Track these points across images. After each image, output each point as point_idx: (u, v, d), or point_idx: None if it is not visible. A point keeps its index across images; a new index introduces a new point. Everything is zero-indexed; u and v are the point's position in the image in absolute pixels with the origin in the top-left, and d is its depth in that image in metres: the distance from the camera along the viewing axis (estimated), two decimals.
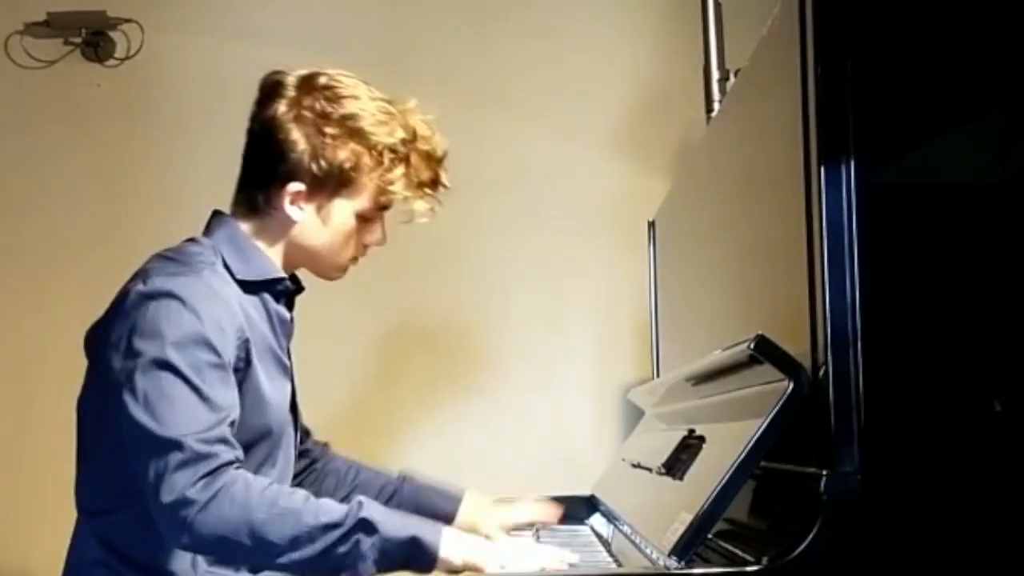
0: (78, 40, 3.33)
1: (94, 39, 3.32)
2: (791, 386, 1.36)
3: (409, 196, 1.72)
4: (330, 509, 1.52)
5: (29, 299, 3.26)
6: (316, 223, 1.72)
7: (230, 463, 1.52)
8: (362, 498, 1.55)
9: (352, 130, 1.68)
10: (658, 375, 2.62)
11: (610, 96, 3.31)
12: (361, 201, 1.71)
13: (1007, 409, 1.37)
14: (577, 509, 2.33)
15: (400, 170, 1.70)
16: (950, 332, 1.39)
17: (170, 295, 1.57)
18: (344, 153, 1.68)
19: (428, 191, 1.74)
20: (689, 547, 1.38)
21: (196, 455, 1.49)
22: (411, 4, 3.36)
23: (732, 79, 2.72)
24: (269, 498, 1.51)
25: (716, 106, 2.77)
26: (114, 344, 1.58)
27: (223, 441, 1.53)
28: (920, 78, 1.41)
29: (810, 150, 1.38)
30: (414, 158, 1.71)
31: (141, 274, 1.64)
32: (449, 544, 1.54)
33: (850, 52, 1.38)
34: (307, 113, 1.68)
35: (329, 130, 1.68)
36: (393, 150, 1.69)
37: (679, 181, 2.51)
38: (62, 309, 3.13)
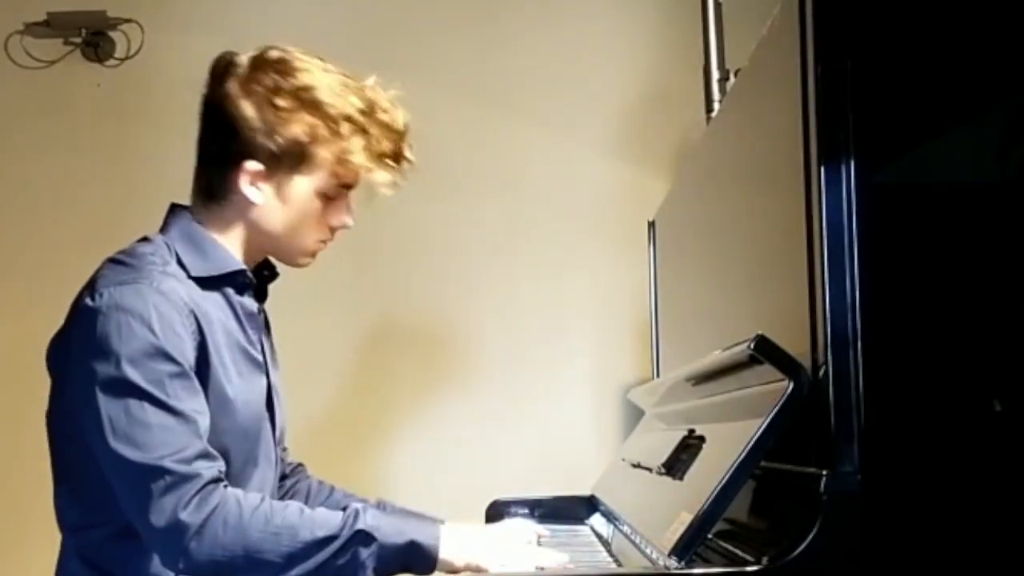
0: (78, 40, 3.33)
1: (94, 39, 3.32)
2: (791, 386, 1.36)
3: (369, 167, 1.63)
4: (326, 521, 1.51)
5: (28, 299, 3.26)
6: (276, 204, 1.64)
7: (216, 480, 1.50)
8: (358, 505, 1.53)
9: (306, 101, 1.60)
10: (658, 375, 2.62)
11: (610, 96, 3.31)
12: (320, 176, 1.63)
13: (1007, 409, 1.37)
14: (577, 509, 2.33)
15: (358, 140, 1.61)
16: (950, 332, 1.39)
17: (118, 308, 1.52)
18: (299, 126, 1.60)
19: (389, 163, 1.64)
20: (689, 547, 1.38)
21: (180, 477, 1.47)
22: (411, 5, 3.36)
23: (732, 79, 2.72)
24: (263, 516, 1.49)
25: (716, 106, 2.77)
26: (74, 360, 1.54)
27: (204, 456, 1.50)
28: (920, 78, 1.41)
29: (810, 150, 1.38)
30: (373, 129, 1.63)
31: (91, 284, 1.59)
32: (448, 545, 1.53)
33: (850, 52, 1.38)
34: (258, 88, 1.61)
35: (282, 103, 1.60)
36: (350, 119, 1.61)
37: (679, 181, 2.51)
38: (62, 309, 3.12)
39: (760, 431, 1.37)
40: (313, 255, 1.72)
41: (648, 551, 1.57)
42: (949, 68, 1.41)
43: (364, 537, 1.49)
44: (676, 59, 3.17)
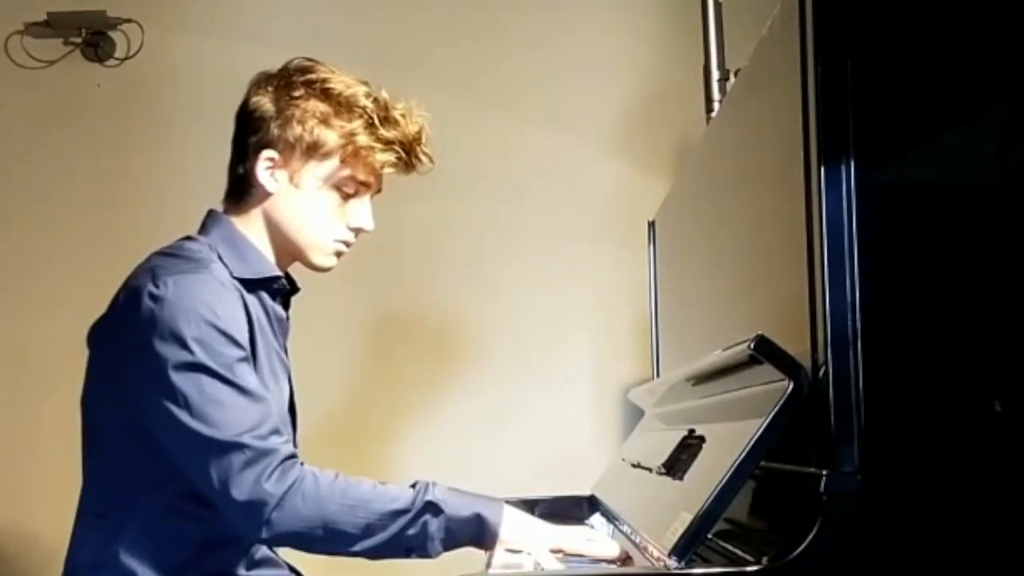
0: (78, 40, 3.33)
1: (94, 39, 3.32)
2: (791, 386, 1.36)
3: (373, 147, 1.70)
4: (398, 495, 1.59)
5: (29, 299, 3.26)
6: (290, 191, 1.71)
7: (292, 456, 1.57)
8: (428, 480, 1.62)
9: (319, 91, 1.70)
10: (658, 375, 2.62)
11: (610, 96, 3.31)
12: (333, 165, 1.70)
13: (1007, 409, 1.37)
14: (577, 509, 2.33)
15: (363, 123, 1.69)
16: (950, 332, 1.39)
17: (184, 295, 1.57)
18: (310, 112, 1.69)
19: (396, 149, 1.71)
20: (689, 547, 1.38)
21: (258, 452, 1.53)
22: (411, 5, 3.36)
23: (732, 79, 2.72)
24: (339, 490, 1.57)
25: (716, 106, 2.77)
26: (131, 346, 1.58)
27: (276, 432, 1.57)
28: (920, 78, 1.41)
29: (810, 150, 1.38)
30: (383, 116, 1.71)
31: (147, 272, 1.62)
32: (509, 525, 1.62)
33: (850, 52, 1.38)
34: (278, 82, 1.72)
35: (296, 92, 1.70)
36: (362, 107, 1.70)
37: (679, 181, 2.51)
38: (62, 309, 3.13)
39: (760, 431, 1.37)
40: (335, 256, 1.77)
41: (648, 551, 1.57)
42: (949, 68, 1.41)
43: (434, 508, 1.59)
44: (676, 59, 3.17)
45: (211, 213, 1.78)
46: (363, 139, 1.69)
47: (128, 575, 1.63)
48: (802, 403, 1.36)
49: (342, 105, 1.69)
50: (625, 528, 1.87)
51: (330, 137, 1.69)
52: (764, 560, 1.32)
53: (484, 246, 3.30)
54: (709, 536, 1.43)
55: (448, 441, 3.23)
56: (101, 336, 1.68)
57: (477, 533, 1.61)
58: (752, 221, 1.70)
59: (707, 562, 1.44)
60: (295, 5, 3.37)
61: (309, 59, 1.75)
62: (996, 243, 1.39)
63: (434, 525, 1.58)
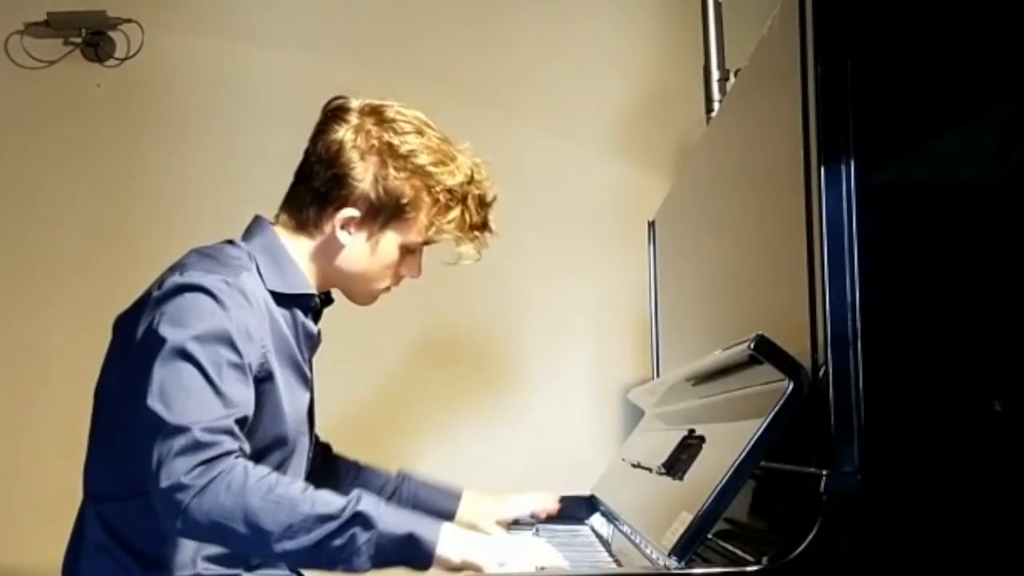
0: (78, 40, 3.33)
1: (94, 39, 3.32)
2: (791, 386, 1.36)
3: (460, 237, 1.77)
4: (327, 501, 1.51)
5: (29, 299, 3.26)
6: (363, 250, 1.75)
7: (231, 452, 1.52)
8: (361, 492, 1.53)
9: (416, 167, 1.72)
10: (658, 375, 2.62)
11: (610, 96, 3.31)
12: (410, 235, 1.75)
13: (1007, 409, 1.37)
14: (577, 509, 2.33)
15: (456, 212, 1.75)
16: (950, 332, 1.39)
17: (203, 289, 1.59)
18: (406, 188, 1.72)
19: (477, 234, 1.79)
20: (689, 547, 1.38)
21: (198, 443, 1.49)
22: (412, 5, 3.36)
23: (732, 79, 2.72)
24: (266, 485, 1.50)
25: (716, 106, 2.77)
26: (144, 329, 1.60)
27: (229, 432, 1.53)
28: (920, 78, 1.41)
29: (810, 150, 1.38)
30: (469, 201, 1.76)
31: (178, 266, 1.65)
32: (447, 542, 1.52)
33: (850, 52, 1.38)
34: (375, 143, 1.72)
35: (393, 163, 1.71)
36: (451, 192, 1.74)
37: (679, 181, 2.51)
38: (62, 309, 3.13)
39: (760, 431, 1.37)
40: (376, 299, 1.84)
41: (648, 551, 1.57)
42: (949, 68, 1.41)
43: (364, 521, 1.49)
44: (676, 59, 3.17)
45: (257, 220, 1.79)
46: (451, 227, 1.75)
47: (133, 558, 1.64)
48: (802, 403, 1.36)
49: (439, 192, 1.73)
50: (625, 528, 1.87)
51: (420, 216, 1.74)
52: (764, 560, 1.32)
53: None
54: (709, 536, 1.43)
55: (448, 441, 3.23)
56: (124, 323, 1.69)
57: (409, 552, 1.51)
58: (752, 221, 1.70)
59: (707, 562, 1.44)
60: (295, 5, 3.37)
61: (398, 111, 1.75)
62: (996, 243, 1.39)
63: (362, 539, 1.49)
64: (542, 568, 1.53)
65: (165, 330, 1.56)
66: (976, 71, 1.41)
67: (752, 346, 1.38)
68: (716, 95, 2.78)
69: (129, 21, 3.31)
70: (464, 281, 3.28)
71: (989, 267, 1.40)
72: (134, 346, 1.61)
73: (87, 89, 3.33)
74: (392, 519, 1.52)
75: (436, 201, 1.73)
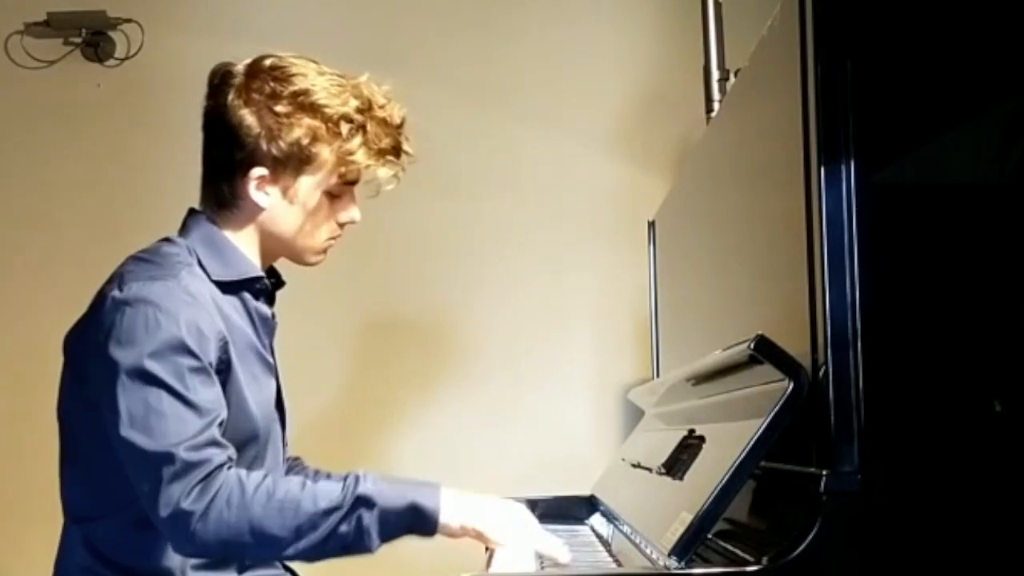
0: (78, 40, 3.33)
1: (94, 39, 3.32)
2: (791, 386, 1.36)
3: (371, 164, 1.69)
4: (328, 492, 1.53)
5: (28, 299, 3.26)
6: (284, 206, 1.69)
7: (222, 465, 1.52)
8: (359, 472, 1.55)
9: (304, 105, 1.65)
10: (658, 375, 2.62)
11: (610, 96, 3.32)
12: (324, 176, 1.68)
13: (1007, 409, 1.37)
14: (577, 509, 2.33)
15: (358, 139, 1.67)
16: (950, 332, 1.38)
17: (146, 301, 1.55)
18: (300, 130, 1.65)
19: (390, 158, 1.71)
20: (689, 547, 1.38)
21: (187, 464, 1.49)
22: (411, 4, 3.36)
23: (732, 79, 2.72)
24: (265, 492, 1.51)
25: (716, 106, 2.77)
26: (92, 351, 1.57)
27: (213, 444, 1.52)
28: (920, 78, 1.41)
29: (810, 150, 1.38)
30: (371, 126, 1.68)
31: (117, 278, 1.61)
32: (448, 508, 1.56)
33: (850, 52, 1.38)
34: (257, 95, 1.66)
35: (281, 109, 1.65)
36: (348, 119, 1.67)
37: (679, 181, 2.51)
38: (61, 309, 3.12)
39: (760, 431, 1.37)
40: (324, 252, 1.77)
41: (648, 551, 1.57)
42: (949, 68, 1.41)
43: (366, 502, 1.52)
44: (676, 59, 3.18)
45: (192, 213, 1.75)
46: (359, 156, 1.67)
47: None
48: (802, 403, 1.36)
49: (333, 120, 1.66)
50: (625, 528, 1.87)
51: (323, 152, 1.67)
52: (764, 560, 1.31)
53: (483, 246, 3.30)
54: (709, 536, 1.43)
55: (448, 441, 3.23)
56: (72, 343, 1.67)
57: (415, 522, 1.55)
58: (752, 221, 1.70)
59: (707, 562, 1.44)
60: (295, 5, 3.37)
61: (278, 57, 1.70)
62: (996, 243, 1.39)
63: (368, 519, 1.51)
64: (542, 568, 1.54)
65: (116, 352, 1.53)
66: (976, 71, 1.41)
67: (752, 346, 1.38)
68: (716, 95, 2.78)
69: (129, 21, 3.32)
70: (464, 280, 3.30)
71: (989, 267, 1.39)
72: (88, 369, 1.58)
73: (87, 89, 3.33)
74: (392, 492, 1.54)
75: (336, 134, 1.66)
